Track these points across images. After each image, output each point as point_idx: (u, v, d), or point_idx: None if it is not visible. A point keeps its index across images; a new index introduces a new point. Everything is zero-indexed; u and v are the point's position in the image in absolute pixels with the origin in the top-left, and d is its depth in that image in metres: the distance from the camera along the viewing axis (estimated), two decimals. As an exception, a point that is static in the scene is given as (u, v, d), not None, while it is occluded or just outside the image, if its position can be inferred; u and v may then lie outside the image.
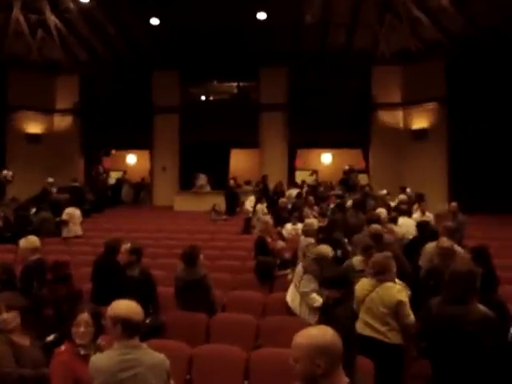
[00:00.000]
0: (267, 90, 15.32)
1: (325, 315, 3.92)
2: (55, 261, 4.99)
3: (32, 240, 5.35)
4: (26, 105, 15.68)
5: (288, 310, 5.09)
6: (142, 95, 15.83)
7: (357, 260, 5.18)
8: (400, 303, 3.97)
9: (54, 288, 4.63)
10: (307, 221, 7.25)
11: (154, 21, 13.35)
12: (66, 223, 9.66)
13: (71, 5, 13.61)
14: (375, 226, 5.83)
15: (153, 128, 15.86)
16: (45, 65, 15.72)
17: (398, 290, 4.07)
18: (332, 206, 10.21)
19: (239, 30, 13.67)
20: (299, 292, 4.97)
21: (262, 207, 10.61)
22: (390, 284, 4.13)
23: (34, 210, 10.55)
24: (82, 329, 2.97)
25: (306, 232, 6.50)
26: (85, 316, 3.00)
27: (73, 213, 9.81)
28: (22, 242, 5.34)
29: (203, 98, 16.83)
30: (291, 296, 5.11)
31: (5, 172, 12.68)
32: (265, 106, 15.31)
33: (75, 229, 9.73)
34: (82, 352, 2.96)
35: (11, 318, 3.28)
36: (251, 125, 15.39)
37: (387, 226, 6.99)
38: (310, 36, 14.01)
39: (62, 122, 16.50)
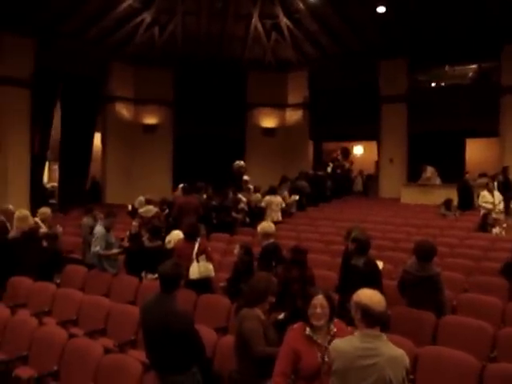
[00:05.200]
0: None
1: None
2: (296, 245, 5.37)
3: (268, 225, 5.90)
4: (262, 102, 17.25)
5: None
6: (368, 85, 15.71)
7: None
8: None
9: (288, 268, 4.97)
10: None
11: (381, 9, 13.05)
12: (264, 210, 10.34)
13: (301, 5, 14.34)
14: None
15: (380, 118, 15.62)
16: (277, 64, 17.03)
17: None
18: None
19: (474, 5, 12.30)
20: None
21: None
22: None
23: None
24: (318, 310, 3.11)
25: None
26: (320, 298, 3.13)
27: (271, 200, 10.43)
28: (260, 228, 5.90)
29: (433, 84, 15.87)
30: None
31: (241, 163, 14.12)
32: (508, 88, 13.47)
33: (272, 215, 10.26)
34: (307, 332, 3.11)
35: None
36: (489, 111, 13.79)
37: None
38: None
39: (293, 115, 17.58)
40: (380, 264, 5.14)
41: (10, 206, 6.79)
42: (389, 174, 15.48)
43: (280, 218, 10.48)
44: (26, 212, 6.57)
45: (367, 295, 2.73)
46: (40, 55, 13.15)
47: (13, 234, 6.24)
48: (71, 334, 4.50)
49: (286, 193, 12.01)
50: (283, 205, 10.68)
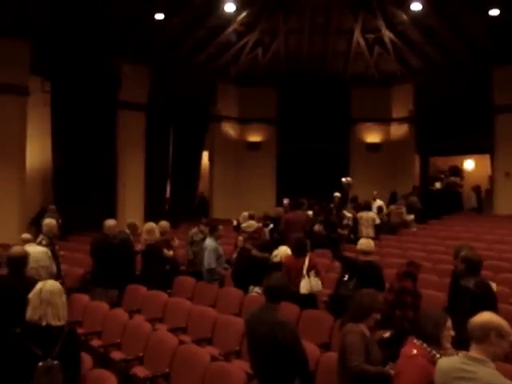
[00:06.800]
0: None
1: None
2: (410, 260, 5.36)
3: (366, 243, 5.74)
4: (365, 117, 17.02)
5: None
6: (479, 95, 14.77)
7: None
8: None
9: (402, 279, 4.91)
10: None
11: (494, 11, 12.21)
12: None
13: (404, 16, 13.96)
14: None
15: (494, 130, 14.60)
16: (381, 78, 16.75)
17: None
18: None
19: None
20: None
21: None
22: None
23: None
24: (452, 332, 3.06)
25: None
26: (450, 321, 3.09)
27: (361, 216, 10.42)
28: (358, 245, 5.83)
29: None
30: None
31: (348, 179, 13.97)
32: None
33: (363, 231, 10.13)
34: (438, 355, 2.93)
35: None
36: None
37: None
38: None
39: (399, 130, 17.09)
40: (493, 286, 4.81)
41: (136, 222, 7.46)
42: (505, 189, 14.34)
43: (371, 234, 10.14)
44: (153, 225, 7.14)
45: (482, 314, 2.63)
46: (154, 80, 14.24)
47: (140, 246, 6.91)
48: (181, 341, 4.76)
49: (403, 209, 11.88)
50: (377, 221, 10.45)
